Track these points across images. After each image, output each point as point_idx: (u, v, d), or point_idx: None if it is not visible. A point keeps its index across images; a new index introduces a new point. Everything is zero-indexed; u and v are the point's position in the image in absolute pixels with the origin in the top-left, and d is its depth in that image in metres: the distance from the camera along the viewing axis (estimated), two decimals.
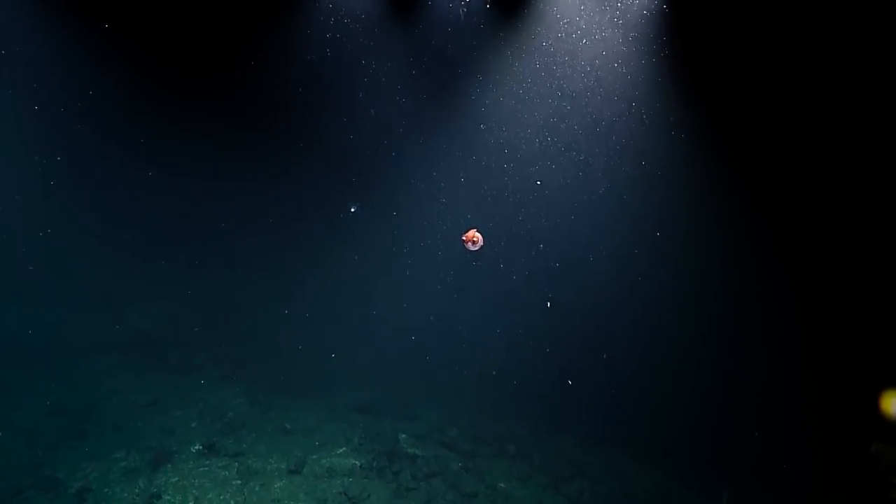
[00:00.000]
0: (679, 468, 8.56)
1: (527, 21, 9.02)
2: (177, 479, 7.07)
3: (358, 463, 7.73)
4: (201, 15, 9.31)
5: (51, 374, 8.88)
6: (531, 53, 9.18)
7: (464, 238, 6.41)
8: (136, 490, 6.78)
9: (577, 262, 9.76)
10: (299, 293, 10.30)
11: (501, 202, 9.75)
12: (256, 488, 7.07)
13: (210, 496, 6.85)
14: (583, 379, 9.33)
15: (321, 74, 9.63)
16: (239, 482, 7.15)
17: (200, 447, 7.70)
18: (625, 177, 9.33)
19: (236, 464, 7.46)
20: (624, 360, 9.55)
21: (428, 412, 9.51)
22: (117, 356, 9.76)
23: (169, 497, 6.76)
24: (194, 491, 6.91)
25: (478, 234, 6.52)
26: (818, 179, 8.38)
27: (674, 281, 9.38)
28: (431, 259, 9.99)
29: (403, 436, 8.46)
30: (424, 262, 10.05)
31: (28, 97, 8.99)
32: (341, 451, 7.94)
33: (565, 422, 9.37)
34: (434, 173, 9.86)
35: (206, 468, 7.34)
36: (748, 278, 9.08)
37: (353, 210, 9.65)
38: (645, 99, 8.94)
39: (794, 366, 8.81)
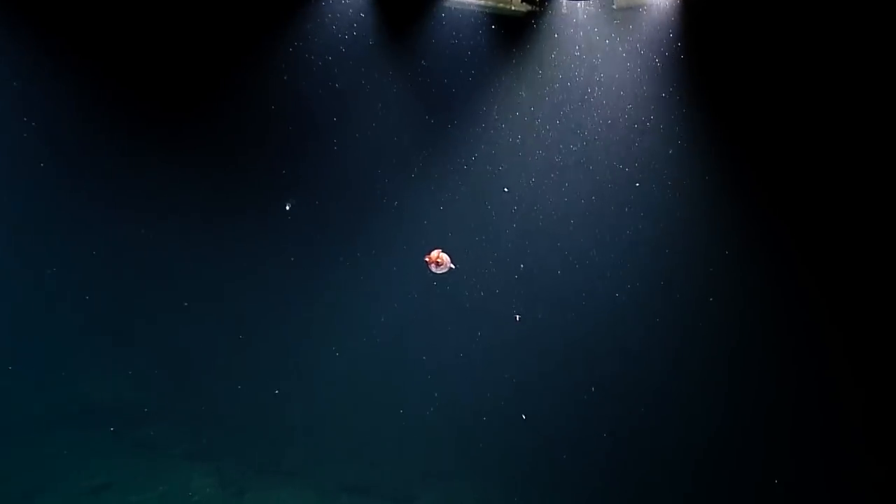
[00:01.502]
0: None
1: (535, 46, 8.27)
2: None
3: None
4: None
5: None
6: (539, 83, 8.38)
7: (427, 259, 5.78)
8: None
9: (594, 305, 8.60)
10: (288, 358, 8.90)
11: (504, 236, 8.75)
12: None
13: None
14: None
15: (304, 110, 8.60)
16: None
17: None
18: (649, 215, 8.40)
19: None
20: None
21: (431, 491, 8.29)
22: (64, 433, 8.30)
23: None
24: None
25: (443, 255, 5.87)
26: (843, 185, 7.44)
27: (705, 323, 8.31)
28: (434, 309, 8.77)
29: None
30: (425, 314, 8.81)
31: None
32: None
33: None
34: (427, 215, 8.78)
35: None
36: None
37: (287, 207, 8.44)
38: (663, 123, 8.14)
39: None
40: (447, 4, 8.32)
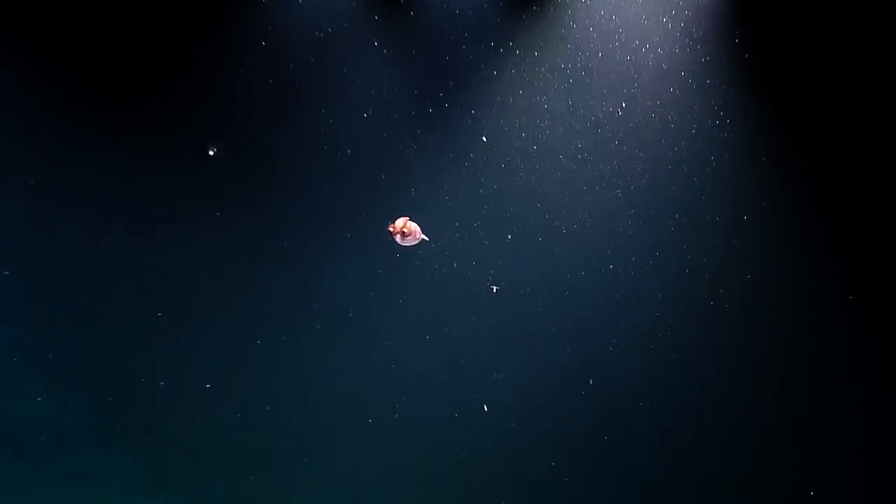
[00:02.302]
0: None
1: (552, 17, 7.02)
2: None
3: None
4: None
5: None
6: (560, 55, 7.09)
7: (390, 229, 4.96)
8: None
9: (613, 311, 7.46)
10: (256, 371, 7.35)
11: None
12: None
13: None
14: None
15: (288, 89, 7.11)
16: None
17: None
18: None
19: None
20: None
21: None
22: None
23: None
24: None
25: (411, 224, 5.09)
26: None
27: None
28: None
29: None
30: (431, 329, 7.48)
31: None
32: None
33: None
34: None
35: None
36: None
37: (211, 154, 6.86)
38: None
39: None
40: None
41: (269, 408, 7.17)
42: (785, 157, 7.12)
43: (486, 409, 7.24)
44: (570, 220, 7.35)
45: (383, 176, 7.16)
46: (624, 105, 7.10)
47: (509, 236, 7.28)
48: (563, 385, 7.44)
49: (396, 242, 5.23)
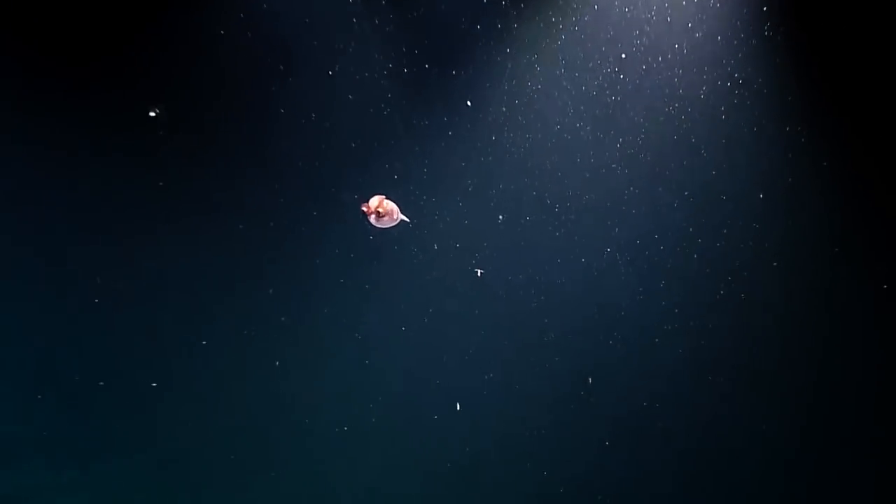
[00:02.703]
0: None
1: None
2: None
3: None
4: None
5: None
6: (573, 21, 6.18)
7: (364, 209, 4.38)
8: None
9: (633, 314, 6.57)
10: (238, 377, 6.32)
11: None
12: None
13: None
14: None
15: (271, 52, 6.13)
16: None
17: None
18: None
19: None
20: None
21: None
22: None
23: None
24: None
25: (388, 203, 4.47)
26: None
27: None
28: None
29: None
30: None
31: None
32: None
33: None
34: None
35: None
36: None
37: (152, 115, 5.88)
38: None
39: None
40: None
41: (228, 406, 6.28)
42: (817, 125, 6.25)
43: (458, 407, 6.35)
44: (567, 198, 6.48)
45: (353, 144, 6.28)
46: (623, 64, 6.19)
47: (500, 217, 6.38)
48: (558, 385, 6.60)
49: (371, 224, 4.53)
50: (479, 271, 6.26)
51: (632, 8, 6.17)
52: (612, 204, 6.45)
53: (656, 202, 6.47)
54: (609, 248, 6.50)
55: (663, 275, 6.53)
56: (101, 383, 5.93)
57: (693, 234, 6.48)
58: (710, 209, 6.44)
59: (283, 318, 6.34)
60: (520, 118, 6.31)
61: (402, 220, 4.76)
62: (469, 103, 6.16)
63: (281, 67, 6.08)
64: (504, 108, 6.24)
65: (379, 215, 4.41)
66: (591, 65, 6.23)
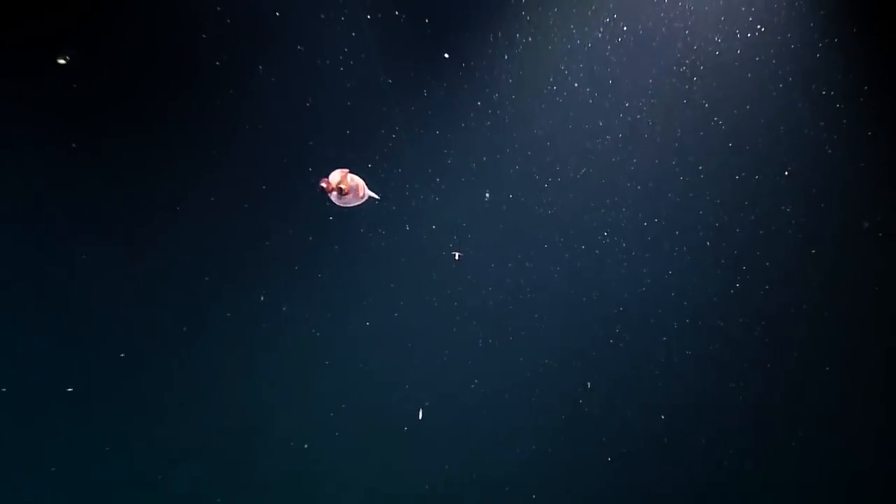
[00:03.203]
0: None
1: None
2: None
3: None
4: None
5: None
6: None
7: (323, 184, 3.72)
8: None
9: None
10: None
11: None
12: None
13: None
14: None
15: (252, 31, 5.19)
16: None
17: None
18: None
19: None
20: None
21: None
22: None
23: None
24: None
25: (352, 179, 3.84)
26: None
27: None
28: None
29: None
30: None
31: None
32: None
33: None
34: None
35: None
36: None
37: (62, 62, 4.80)
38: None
39: None
40: None
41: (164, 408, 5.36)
42: (855, 85, 5.41)
43: (420, 415, 5.39)
44: (558, 172, 5.56)
45: (307, 104, 5.32)
46: (625, 13, 5.32)
47: (487, 194, 5.45)
48: (551, 392, 5.69)
49: (333, 202, 3.87)
50: (456, 254, 5.32)
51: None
52: (613, 180, 5.57)
53: (663, 178, 5.60)
54: (607, 232, 5.63)
55: (670, 264, 5.67)
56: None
57: (706, 217, 5.63)
58: (727, 187, 5.60)
59: (228, 315, 5.39)
60: (505, 77, 5.38)
61: (369, 198, 4.10)
62: (447, 55, 5.18)
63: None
64: (486, 63, 5.28)
65: (341, 192, 3.75)
66: (588, 13, 5.34)
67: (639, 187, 5.59)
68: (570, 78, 5.43)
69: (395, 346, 5.55)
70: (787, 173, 5.56)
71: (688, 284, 5.67)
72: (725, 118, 5.55)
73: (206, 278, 5.30)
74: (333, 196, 3.74)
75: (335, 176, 3.72)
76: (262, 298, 5.39)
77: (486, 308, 5.62)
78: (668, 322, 5.70)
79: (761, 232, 5.62)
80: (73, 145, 5.01)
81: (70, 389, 5.09)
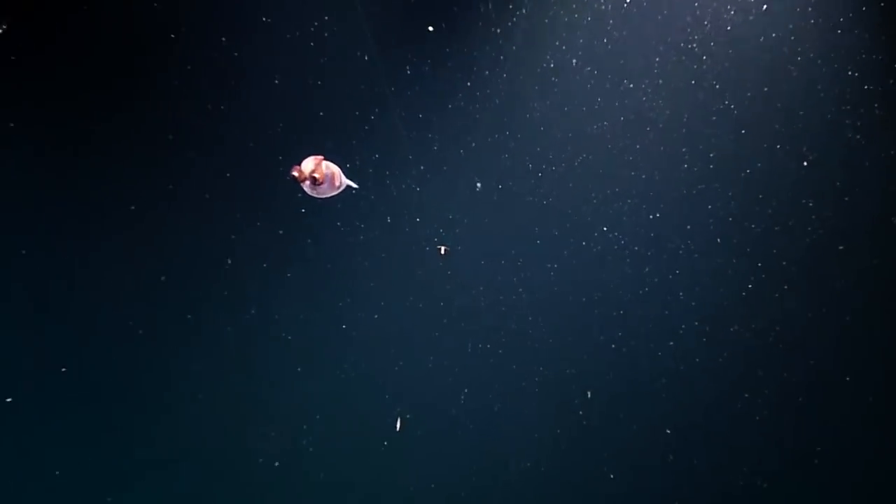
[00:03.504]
0: None
1: None
2: None
3: None
4: None
5: None
6: None
7: (294, 173, 3.26)
8: None
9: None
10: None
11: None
12: None
13: None
14: None
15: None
16: None
17: None
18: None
19: None
20: None
21: None
22: None
23: None
24: None
25: (327, 167, 3.40)
26: None
27: None
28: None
29: None
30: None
31: None
32: None
33: None
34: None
35: None
36: None
37: None
38: None
39: None
40: None
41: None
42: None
43: (398, 426, 4.89)
44: (554, 160, 5.08)
45: (276, 81, 4.79)
46: None
47: (477, 184, 4.97)
48: (547, 402, 5.20)
49: (305, 192, 3.47)
50: (442, 249, 4.83)
51: None
52: (615, 169, 5.07)
53: (670, 168, 5.09)
54: (608, 226, 5.13)
55: (678, 262, 5.17)
56: None
57: (717, 211, 5.12)
58: (741, 178, 5.10)
59: (189, 317, 4.90)
60: (496, 53, 4.89)
61: (346, 187, 3.68)
62: (431, 28, 4.68)
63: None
64: (475, 38, 4.81)
65: (315, 182, 3.35)
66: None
67: (643, 177, 5.10)
68: (568, 55, 4.92)
69: (374, 351, 5.08)
70: (806, 163, 5.05)
71: (697, 285, 5.17)
72: (739, 101, 5.05)
73: (162, 278, 4.77)
74: (306, 186, 3.35)
75: (308, 164, 3.33)
76: (226, 296, 4.82)
77: (475, 309, 5.15)
78: (676, 326, 5.20)
79: (778, 228, 5.11)
80: (11, 125, 4.45)
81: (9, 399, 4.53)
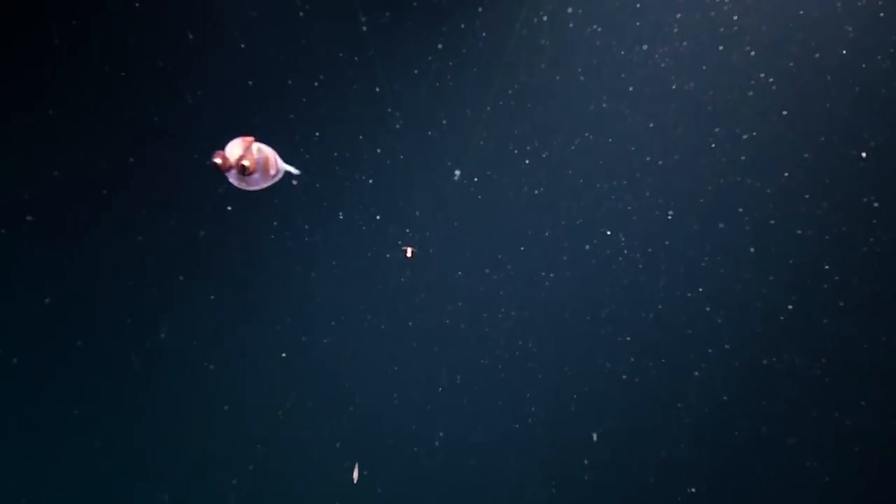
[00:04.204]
0: None
1: None
2: None
3: None
4: None
5: None
6: None
7: (216, 160, 2.53)
8: None
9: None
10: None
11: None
12: None
13: None
14: None
15: None
16: None
17: None
18: None
19: None
20: None
21: None
22: None
23: None
24: None
25: (259, 151, 2.71)
26: None
27: None
28: None
29: None
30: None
31: None
32: None
33: None
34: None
35: None
36: None
37: None
38: None
39: None
40: None
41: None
42: None
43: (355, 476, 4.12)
44: (547, 145, 4.16)
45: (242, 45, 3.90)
46: None
47: (457, 172, 4.15)
48: (543, 446, 4.26)
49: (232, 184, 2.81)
50: (408, 249, 4.05)
51: None
52: (622, 154, 4.15)
53: (693, 154, 4.17)
54: (611, 229, 4.26)
55: (701, 272, 4.27)
56: None
57: (752, 210, 4.21)
58: (781, 170, 4.17)
59: (78, 343, 4.05)
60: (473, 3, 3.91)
61: (284, 174, 3.03)
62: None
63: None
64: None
65: (244, 170, 2.68)
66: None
67: (659, 163, 4.16)
68: (564, 5, 3.98)
69: (323, 386, 4.20)
70: (865, 154, 4.12)
71: (725, 304, 4.25)
72: (778, 74, 4.12)
73: (47, 300, 3.87)
74: (232, 176, 2.72)
75: (234, 147, 2.68)
76: (129, 322, 3.84)
77: (451, 330, 4.27)
78: (700, 351, 4.26)
79: (828, 237, 4.19)
80: None
81: None
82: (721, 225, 4.22)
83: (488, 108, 4.04)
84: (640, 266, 4.23)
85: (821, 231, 4.19)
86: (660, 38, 4.06)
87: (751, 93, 4.13)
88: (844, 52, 4.05)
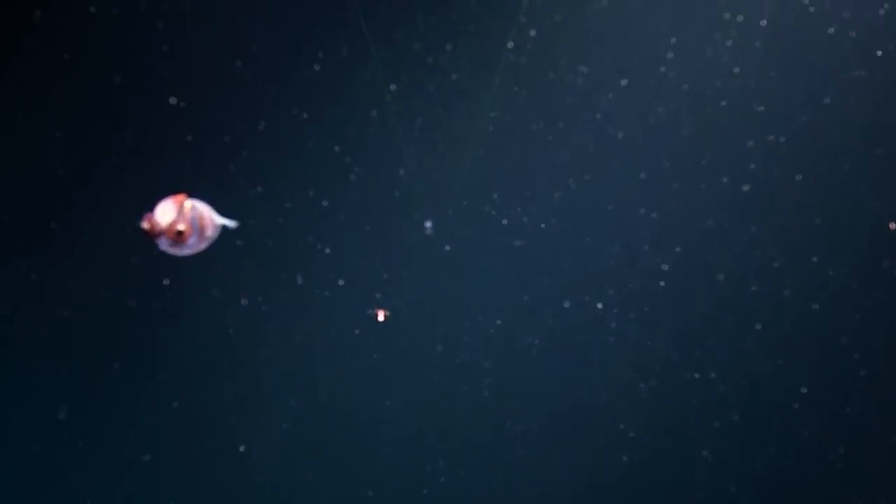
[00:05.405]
0: None
1: None
2: None
3: None
4: None
5: None
6: None
7: (146, 225, 1.78)
8: None
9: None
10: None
11: None
12: None
13: None
14: None
15: None
16: None
17: None
18: None
19: None
20: None
21: None
22: None
23: None
24: None
25: (197, 207, 1.94)
26: None
27: None
28: None
29: None
30: None
31: None
32: None
33: None
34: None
35: None
36: None
37: None
38: None
39: None
40: None
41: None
42: None
43: None
44: (539, 131, 3.66)
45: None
46: None
47: (427, 223, 3.92)
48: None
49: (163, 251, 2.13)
50: (380, 313, 3.53)
51: None
52: (618, 150, 3.68)
53: (719, 151, 3.64)
54: (612, 243, 3.82)
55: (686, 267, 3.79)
56: None
57: (746, 205, 3.71)
58: (780, 164, 3.67)
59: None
60: None
61: (220, 228, 2.45)
62: None
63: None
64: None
65: (179, 236, 2.14)
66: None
67: (667, 159, 3.65)
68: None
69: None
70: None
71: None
72: (781, 69, 3.57)
73: None
74: (164, 243, 2.24)
75: (165, 211, 2.18)
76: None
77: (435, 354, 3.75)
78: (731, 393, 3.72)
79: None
80: None
81: None
82: (708, 212, 3.62)
83: (474, 101, 3.40)
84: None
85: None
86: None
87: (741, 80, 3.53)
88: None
